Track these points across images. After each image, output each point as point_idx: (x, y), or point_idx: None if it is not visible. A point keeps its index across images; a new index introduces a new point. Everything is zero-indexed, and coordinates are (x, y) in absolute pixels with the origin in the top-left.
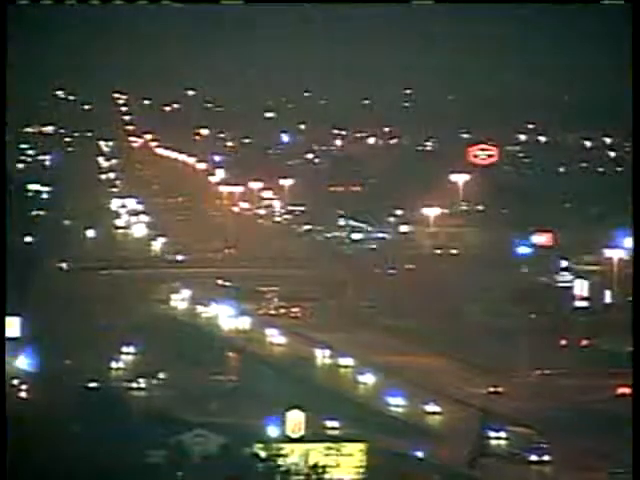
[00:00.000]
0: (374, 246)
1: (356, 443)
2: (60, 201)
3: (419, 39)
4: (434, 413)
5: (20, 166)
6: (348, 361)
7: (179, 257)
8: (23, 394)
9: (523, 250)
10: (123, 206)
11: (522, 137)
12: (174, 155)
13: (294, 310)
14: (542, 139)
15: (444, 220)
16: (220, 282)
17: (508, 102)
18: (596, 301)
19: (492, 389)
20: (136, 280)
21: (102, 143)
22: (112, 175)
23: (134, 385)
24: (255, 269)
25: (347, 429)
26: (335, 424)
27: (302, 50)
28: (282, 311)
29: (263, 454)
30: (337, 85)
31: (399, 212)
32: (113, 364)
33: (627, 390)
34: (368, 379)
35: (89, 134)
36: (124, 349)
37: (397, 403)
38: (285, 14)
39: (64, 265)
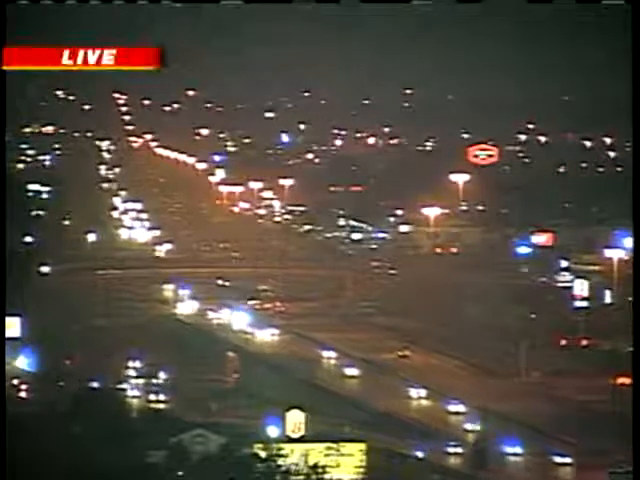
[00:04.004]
0: (374, 246)
1: (356, 443)
2: (60, 201)
3: (419, 38)
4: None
5: (20, 166)
6: (350, 365)
7: (178, 256)
8: (23, 394)
9: (523, 250)
10: (124, 208)
11: (522, 137)
12: (174, 155)
13: (293, 309)
14: (542, 139)
15: (444, 220)
16: (220, 282)
17: (508, 102)
18: (596, 301)
19: (400, 353)
20: (134, 280)
21: (102, 143)
22: (112, 175)
23: (134, 385)
24: (255, 269)
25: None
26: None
27: (302, 50)
28: (281, 310)
29: (263, 454)
30: (337, 85)
31: (399, 212)
32: (114, 364)
33: (627, 380)
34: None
35: (89, 134)
36: (124, 350)
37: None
38: (285, 14)
39: (63, 265)
